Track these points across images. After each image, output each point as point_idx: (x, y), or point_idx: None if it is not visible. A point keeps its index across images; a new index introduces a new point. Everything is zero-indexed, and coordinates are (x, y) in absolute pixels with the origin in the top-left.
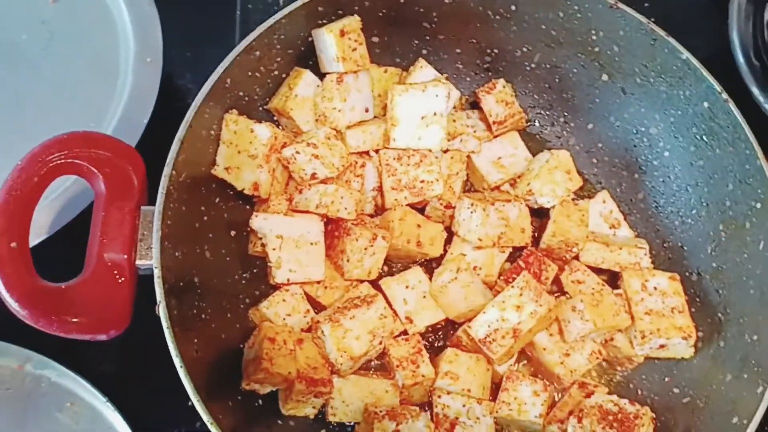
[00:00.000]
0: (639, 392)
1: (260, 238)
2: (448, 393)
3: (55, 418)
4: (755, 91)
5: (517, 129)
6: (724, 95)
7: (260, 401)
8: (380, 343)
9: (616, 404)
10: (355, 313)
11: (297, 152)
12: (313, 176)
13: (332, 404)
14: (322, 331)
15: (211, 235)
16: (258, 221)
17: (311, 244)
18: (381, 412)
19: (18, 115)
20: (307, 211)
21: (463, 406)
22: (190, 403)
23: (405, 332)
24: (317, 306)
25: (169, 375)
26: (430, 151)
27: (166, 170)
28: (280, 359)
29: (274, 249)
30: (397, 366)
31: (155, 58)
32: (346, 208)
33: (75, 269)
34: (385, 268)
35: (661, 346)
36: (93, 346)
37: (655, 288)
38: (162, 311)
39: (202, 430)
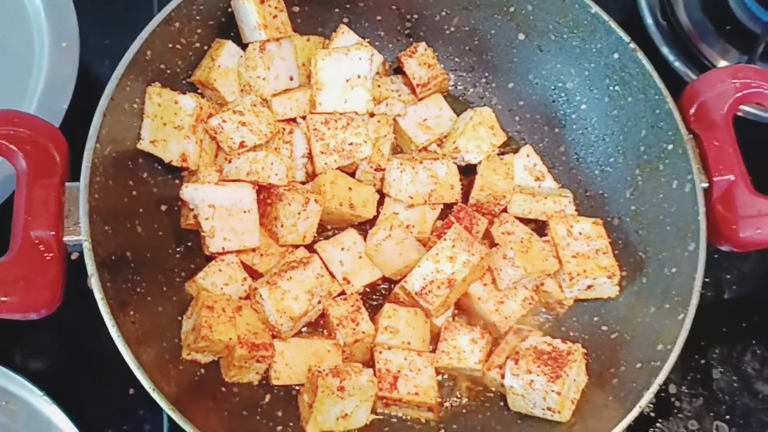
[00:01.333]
0: (571, 334)
1: (192, 210)
2: (389, 348)
3: None
4: (665, 50)
5: (440, 91)
6: (632, 45)
7: (202, 371)
8: (319, 302)
9: (550, 344)
10: (292, 275)
11: (224, 121)
12: (242, 144)
13: (275, 368)
14: (261, 295)
15: (141, 210)
16: (188, 192)
17: (244, 212)
18: (324, 370)
19: None
20: (238, 180)
21: (405, 359)
22: (131, 391)
23: (343, 293)
24: (254, 274)
25: (107, 365)
26: (356, 113)
27: (89, 143)
28: (219, 326)
29: (206, 219)
30: (338, 325)
31: (72, 42)
32: (276, 174)
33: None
34: (320, 234)
35: (589, 287)
36: (26, 341)
37: (580, 233)
38: (94, 283)
39: (144, 419)
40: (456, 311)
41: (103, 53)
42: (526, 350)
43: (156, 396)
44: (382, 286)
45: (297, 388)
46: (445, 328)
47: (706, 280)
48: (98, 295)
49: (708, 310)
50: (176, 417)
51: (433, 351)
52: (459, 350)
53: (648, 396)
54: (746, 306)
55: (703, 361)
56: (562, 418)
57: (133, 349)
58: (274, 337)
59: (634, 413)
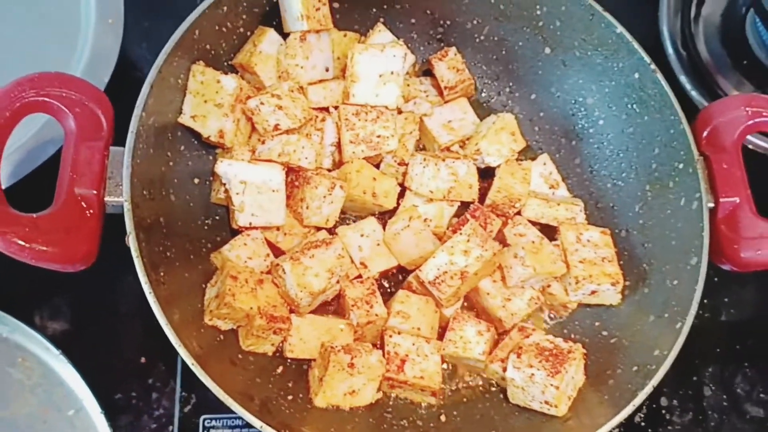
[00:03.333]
0: (572, 336)
1: (222, 186)
2: (399, 333)
3: (7, 372)
4: (682, 78)
5: (466, 95)
6: (653, 66)
7: (221, 336)
8: (337, 282)
9: (552, 342)
10: (314, 253)
11: (261, 103)
12: (276, 127)
13: (290, 341)
14: (283, 269)
15: (176, 180)
16: (223, 167)
17: (273, 191)
18: (337, 347)
19: None
20: (269, 160)
21: (413, 344)
22: (143, 360)
23: (359, 277)
24: (276, 251)
25: (121, 333)
26: (386, 108)
27: (136, 111)
28: (242, 296)
29: (237, 194)
30: (353, 306)
31: (117, 20)
32: (306, 158)
33: (40, 209)
34: (340, 221)
35: (593, 292)
36: (45, 303)
37: (588, 240)
38: (132, 241)
39: (153, 387)
40: (464, 304)
41: (141, 35)
42: (529, 346)
43: (181, 351)
44: (396, 274)
45: (308, 363)
46: (454, 318)
47: (705, 302)
48: (134, 252)
49: (704, 330)
50: (197, 371)
51: (440, 340)
52: (465, 340)
53: (642, 396)
54: (741, 329)
55: (695, 378)
56: (558, 413)
57: (162, 307)
58: (291, 311)
59: (628, 411)
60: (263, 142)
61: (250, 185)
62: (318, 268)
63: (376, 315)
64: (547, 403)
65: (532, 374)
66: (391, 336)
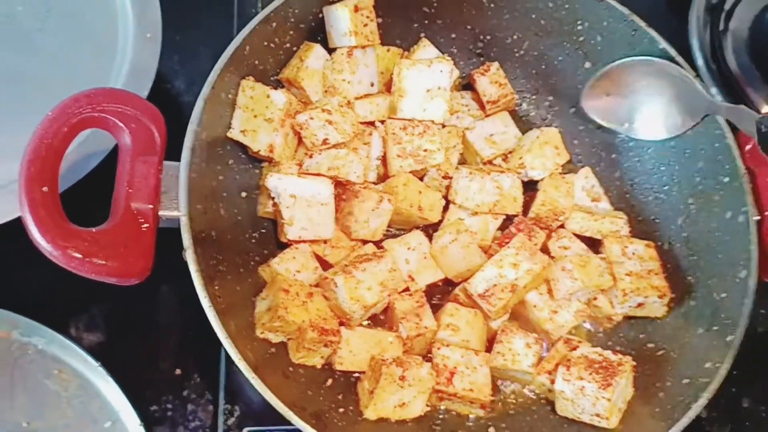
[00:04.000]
0: (618, 348)
1: (270, 200)
2: (447, 345)
3: (44, 384)
4: (713, 91)
5: (507, 109)
6: (697, 81)
7: (273, 350)
8: (389, 295)
9: (601, 354)
10: (366, 267)
11: (311, 118)
12: (325, 141)
13: (340, 354)
14: (335, 283)
15: (225, 194)
16: (273, 180)
17: (322, 204)
18: (388, 359)
19: (13, 89)
20: (318, 174)
21: (462, 357)
22: (178, 371)
23: (407, 290)
24: (324, 264)
25: (157, 344)
26: (433, 122)
27: (191, 126)
28: (294, 308)
29: (287, 207)
30: (402, 318)
31: (155, 34)
32: (355, 172)
33: (86, 221)
34: (385, 234)
35: (639, 305)
36: (82, 312)
37: (634, 253)
38: (190, 255)
39: (189, 399)
40: (509, 317)
41: (172, 48)
42: (578, 358)
43: (241, 365)
44: (442, 287)
45: (356, 375)
46: (502, 330)
47: None
48: (192, 267)
49: (741, 342)
50: (257, 384)
51: (488, 352)
52: (514, 352)
53: (696, 409)
54: None
55: (733, 390)
56: (609, 425)
57: (221, 320)
58: (341, 324)
59: (683, 423)
60: (311, 156)
61: (299, 199)
62: (370, 282)
63: (426, 327)
64: (597, 415)
65: (583, 387)
66: (439, 348)
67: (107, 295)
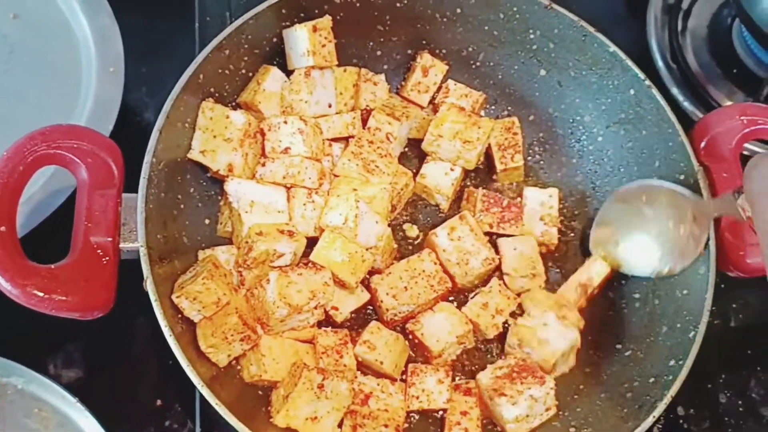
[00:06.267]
0: (589, 352)
1: (230, 217)
2: (364, 374)
3: (25, 423)
4: (674, 91)
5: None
6: (647, 82)
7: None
8: (316, 307)
9: (503, 367)
10: (303, 272)
11: (285, 122)
12: (286, 150)
13: (263, 361)
14: (268, 279)
15: (187, 222)
16: (233, 185)
17: (278, 212)
18: (310, 365)
19: None
20: (273, 183)
21: (377, 384)
22: (158, 402)
23: (334, 323)
24: None
25: (135, 376)
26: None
27: (147, 157)
28: (218, 279)
29: (246, 212)
30: (323, 354)
31: (117, 68)
32: (310, 178)
33: (54, 258)
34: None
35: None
36: (59, 349)
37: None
38: (149, 285)
39: (171, 428)
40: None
41: (139, 80)
42: (499, 379)
43: (204, 392)
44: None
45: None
46: (412, 372)
47: (714, 309)
48: (152, 296)
49: (715, 337)
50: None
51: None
52: (428, 392)
53: (661, 407)
54: (751, 334)
55: (710, 386)
56: (550, 401)
57: (183, 348)
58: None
59: (648, 423)
60: (263, 165)
61: (257, 205)
62: (302, 286)
63: (344, 366)
64: (548, 409)
65: (531, 394)
66: (356, 377)
67: (84, 330)
